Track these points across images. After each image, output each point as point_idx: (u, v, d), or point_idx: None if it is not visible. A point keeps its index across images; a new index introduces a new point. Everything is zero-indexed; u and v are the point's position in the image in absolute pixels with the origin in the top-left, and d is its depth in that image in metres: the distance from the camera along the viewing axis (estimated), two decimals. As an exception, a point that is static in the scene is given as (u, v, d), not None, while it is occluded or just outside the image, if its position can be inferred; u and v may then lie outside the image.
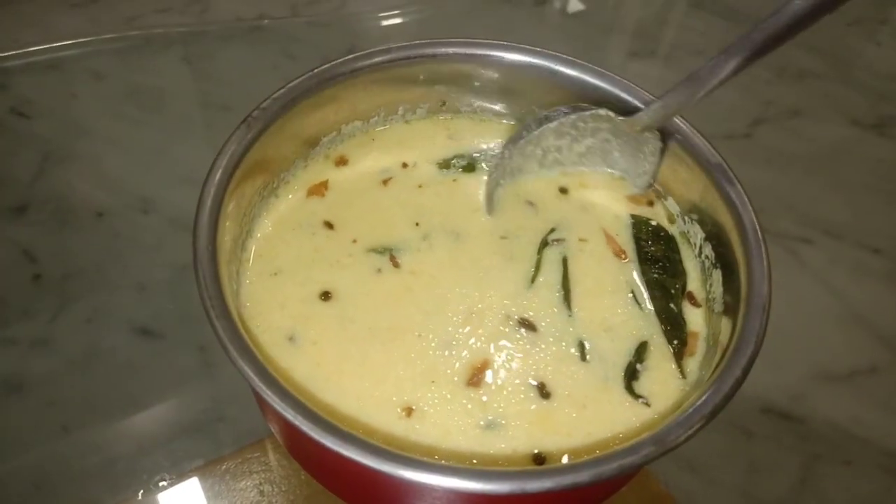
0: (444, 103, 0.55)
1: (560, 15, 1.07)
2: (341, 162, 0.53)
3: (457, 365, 0.43)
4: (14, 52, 0.88)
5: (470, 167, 0.54)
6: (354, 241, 0.49)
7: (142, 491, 0.55)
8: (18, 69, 0.87)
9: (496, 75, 0.52)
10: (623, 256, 0.49)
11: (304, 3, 0.99)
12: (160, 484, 0.56)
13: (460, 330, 0.45)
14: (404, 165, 0.54)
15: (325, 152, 0.53)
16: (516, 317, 0.45)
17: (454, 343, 0.44)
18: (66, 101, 0.84)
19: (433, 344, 0.44)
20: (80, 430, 0.60)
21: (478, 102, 0.55)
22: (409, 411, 0.41)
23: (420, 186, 0.53)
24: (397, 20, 1.00)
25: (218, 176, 0.42)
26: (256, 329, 0.44)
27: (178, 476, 0.56)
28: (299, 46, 0.93)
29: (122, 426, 0.61)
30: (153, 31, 0.93)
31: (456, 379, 0.43)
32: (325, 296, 0.46)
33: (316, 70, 0.48)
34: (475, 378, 0.43)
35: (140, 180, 0.77)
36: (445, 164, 0.54)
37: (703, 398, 0.35)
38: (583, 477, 0.32)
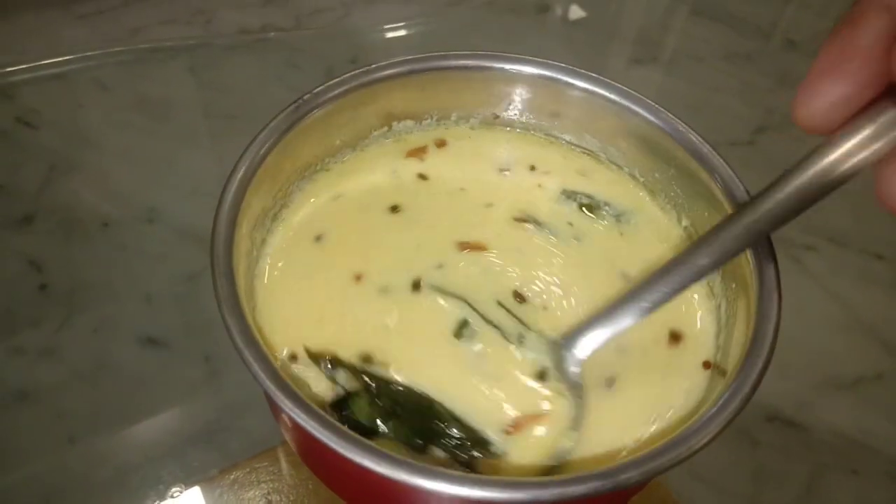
0: (497, 117, 0.55)
1: (562, 22, 1.07)
2: (441, 143, 0.54)
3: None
4: (20, 64, 0.89)
5: (590, 207, 0.52)
6: (462, 189, 0.51)
7: (150, 502, 0.56)
8: (25, 80, 0.88)
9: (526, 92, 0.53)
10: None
11: (307, 14, 0.99)
12: (168, 495, 0.56)
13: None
14: (532, 168, 0.53)
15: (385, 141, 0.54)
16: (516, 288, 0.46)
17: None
18: (73, 112, 0.85)
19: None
20: (87, 441, 0.60)
21: (524, 119, 0.55)
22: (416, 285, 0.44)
23: (540, 186, 0.53)
24: (401, 32, 1.01)
25: (255, 150, 0.43)
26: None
27: (186, 486, 0.56)
28: (303, 57, 0.93)
29: (129, 436, 0.61)
30: (158, 42, 0.93)
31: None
32: (394, 209, 0.49)
33: (373, 66, 0.48)
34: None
35: (146, 190, 0.77)
36: (571, 194, 0.53)
37: (714, 410, 0.35)
38: (579, 490, 0.32)
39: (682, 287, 0.39)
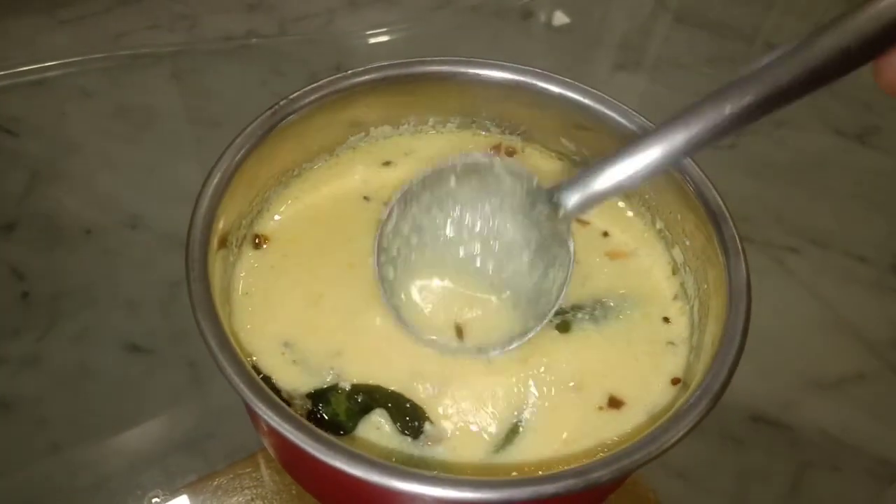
0: (473, 122, 0.55)
1: (546, 28, 1.08)
2: (511, 151, 0.55)
3: None
4: (1, 70, 0.88)
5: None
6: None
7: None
8: (6, 87, 0.87)
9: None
10: None
11: (291, 20, 0.99)
12: (152, 501, 0.55)
13: None
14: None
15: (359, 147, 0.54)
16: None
17: None
18: (55, 119, 0.84)
19: None
20: (71, 449, 0.60)
21: (500, 124, 0.55)
22: None
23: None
24: (384, 38, 1.01)
25: (230, 157, 0.43)
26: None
27: (170, 493, 0.55)
28: (287, 63, 0.93)
29: (113, 444, 0.60)
30: (141, 48, 0.93)
31: None
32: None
33: (349, 72, 0.48)
34: None
35: (129, 197, 0.77)
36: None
37: (684, 409, 0.35)
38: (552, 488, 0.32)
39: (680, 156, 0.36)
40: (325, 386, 0.42)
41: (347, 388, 0.42)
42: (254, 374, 0.35)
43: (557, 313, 0.45)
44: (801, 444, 0.64)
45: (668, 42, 1.07)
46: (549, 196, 0.41)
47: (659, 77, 1.01)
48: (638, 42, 1.06)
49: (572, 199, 0.40)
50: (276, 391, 0.42)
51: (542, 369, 0.44)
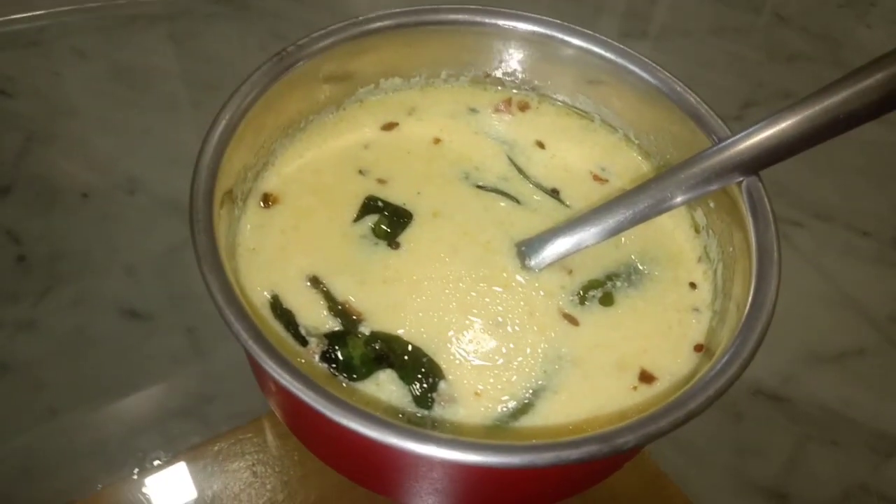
0: (488, 75, 0.53)
1: (551, -6, 1.06)
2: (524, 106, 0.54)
3: None
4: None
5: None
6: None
7: (137, 469, 0.55)
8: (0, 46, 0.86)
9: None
10: None
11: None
12: (149, 464, 0.55)
13: None
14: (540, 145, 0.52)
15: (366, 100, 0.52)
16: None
17: None
18: (50, 80, 0.83)
19: None
20: (69, 413, 0.59)
21: (516, 78, 0.53)
22: None
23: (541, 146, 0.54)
24: (386, -2, 0.99)
25: (236, 104, 0.41)
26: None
27: (170, 458, 0.55)
28: (286, 25, 0.91)
29: (112, 408, 0.60)
30: (139, 7, 0.91)
31: None
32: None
33: (360, 18, 0.46)
34: None
35: (126, 160, 0.76)
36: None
37: (712, 375, 0.34)
38: (573, 454, 0.32)
39: (645, 217, 0.41)
40: (345, 329, 0.42)
41: (367, 333, 0.41)
42: (261, 329, 0.34)
43: (595, 287, 0.45)
44: (801, 417, 0.64)
45: (674, 10, 1.05)
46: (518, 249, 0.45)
47: (664, 46, 1.00)
48: (643, 10, 1.04)
49: (534, 259, 0.44)
50: (296, 327, 0.41)
51: (572, 343, 0.43)
